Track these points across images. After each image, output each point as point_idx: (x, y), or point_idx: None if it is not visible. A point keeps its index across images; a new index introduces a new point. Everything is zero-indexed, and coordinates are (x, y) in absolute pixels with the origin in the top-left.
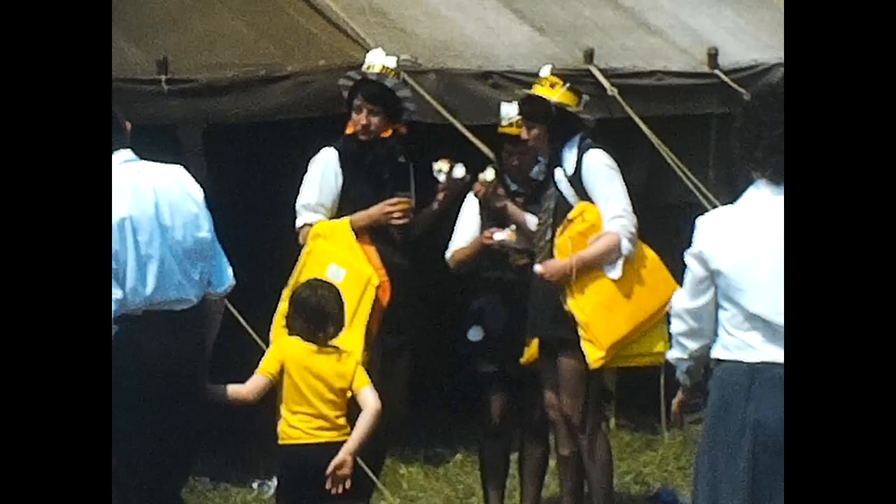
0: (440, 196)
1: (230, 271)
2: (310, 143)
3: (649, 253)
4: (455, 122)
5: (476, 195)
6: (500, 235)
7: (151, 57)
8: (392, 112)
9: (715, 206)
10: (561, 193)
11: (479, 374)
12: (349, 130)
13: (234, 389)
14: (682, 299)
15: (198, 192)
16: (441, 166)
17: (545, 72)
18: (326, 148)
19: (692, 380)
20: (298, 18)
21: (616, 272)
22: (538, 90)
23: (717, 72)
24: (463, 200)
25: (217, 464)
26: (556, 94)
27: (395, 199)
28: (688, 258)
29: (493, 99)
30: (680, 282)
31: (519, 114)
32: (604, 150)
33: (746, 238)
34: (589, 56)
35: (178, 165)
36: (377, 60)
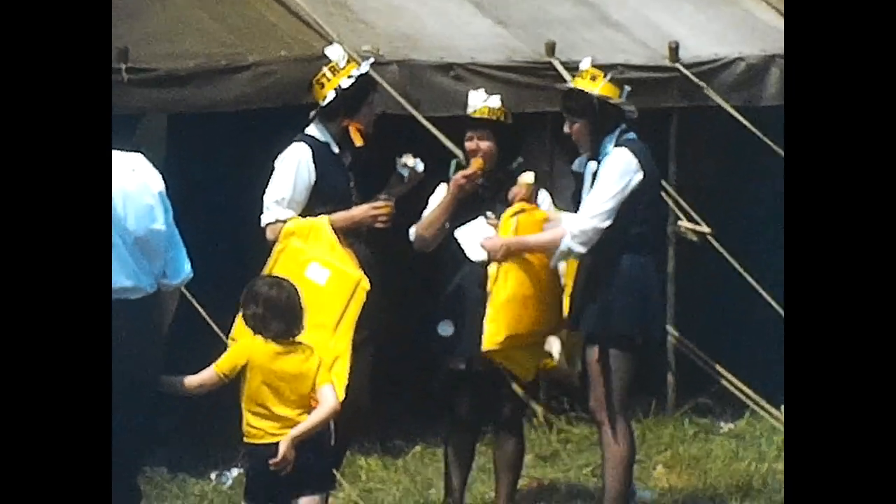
0: (399, 190)
1: (187, 263)
2: (271, 134)
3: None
4: (417, 115)
5: (514, 200)
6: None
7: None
8: None
9: (675, 200)
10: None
11: (449, 370)
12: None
13: (188, 381)
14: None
15: (156, 183)
16: (406, 161)
17: (585, 64)
18: (296, 143)
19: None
20: (260, 9)
21: (552, 262)
22: (578, 83)
23: (678, 65)
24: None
25: (175, 454)
26: (598, 86)
27: (379, 203)
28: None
29: (455, 91)
30: None
31: (561, 108)
32: (634, 148)
33: None
34: (550, 49)
35: (138, 154)
36: (342, 54)
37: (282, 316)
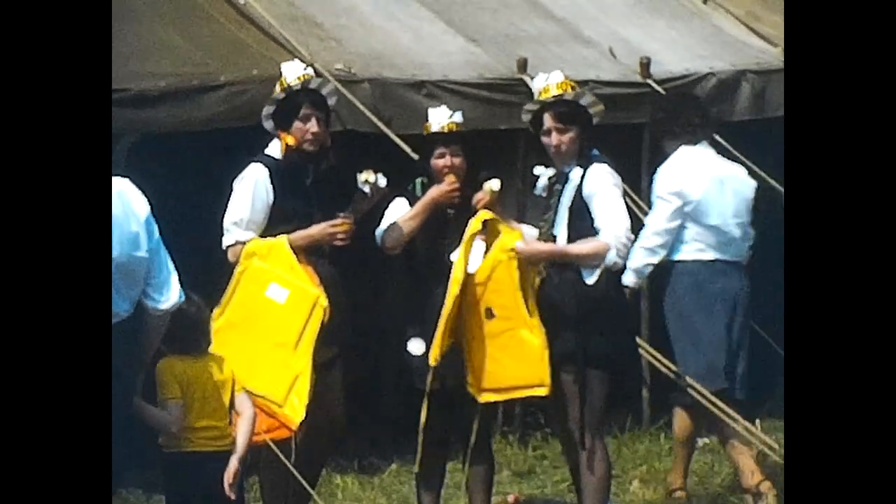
0: (361, 206)
1: (176, 287)
2: (244, 153)
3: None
4: (388, 132)
5: (477, 204)
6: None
7: None
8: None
9: (647, 214)
10: (560, 202)
11: (419, 390)
12: (291, 142)
13: (160, 419)
14: (660, 224)
15: (141, 208)
16: (367, 177)
17: (558, 77)
18: (254, 164)
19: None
20: (231, 28)
21: (592, 278)
22: (567, 93)
23: (649, 81)
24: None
25: (150, 476)
26: (585, 96)
27: (338, 220)
28: (665, 195)
29: (427, 108)
30: None
31: (552, 117)
32: (608, 164)
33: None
34: (522, 66)
35: (125, 179)
36: (299, 71)
37: (192, 328)
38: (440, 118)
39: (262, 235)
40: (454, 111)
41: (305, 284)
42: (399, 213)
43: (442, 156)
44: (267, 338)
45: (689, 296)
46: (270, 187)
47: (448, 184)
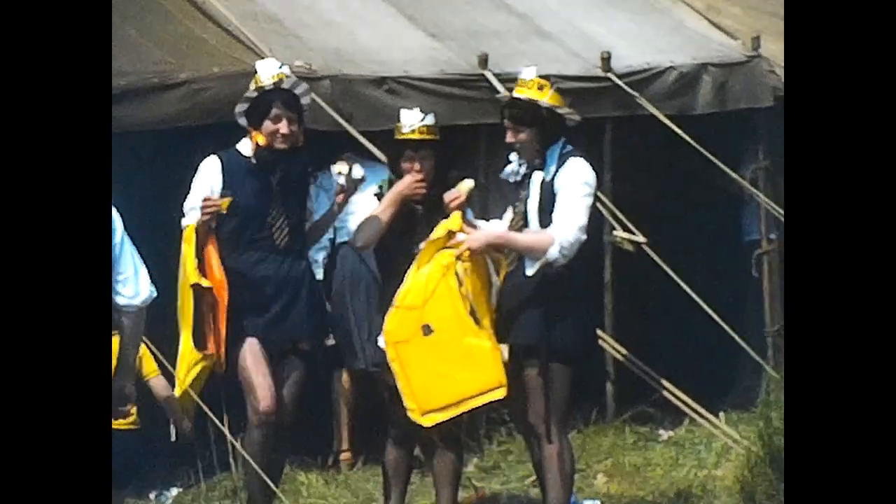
0: (338, 198)
1: (146, 282)
2: (205, 150)
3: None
4: (350, 129)
5: (451, 204)
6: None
7: None
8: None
9: (610, 210)
10: (531, 197)
11: (387, 385)
12: (261, 141)
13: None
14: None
15: None
16: (340, 168)
17: (530, 74)
18: (211, 155)
19: None
20: (191, 26)
21: (531, 270)
22: (524, 92)
23: (610, 75)
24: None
25: (114, 474)
26: (546, 95)
27: (212, 198)
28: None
29: (389, 105)
30: None
31: (505, 117)
32: (585, 159)
33: None
34: (483, 61)
35: None
36: (273, 70)
37: None
38: (411, 121)
39: (218, 224)
40: (426, 114)
41: (186, 266)
42: (367, 205)
43: (411, 159)
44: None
45: None
46: (220, 178)
47: (412, 177)
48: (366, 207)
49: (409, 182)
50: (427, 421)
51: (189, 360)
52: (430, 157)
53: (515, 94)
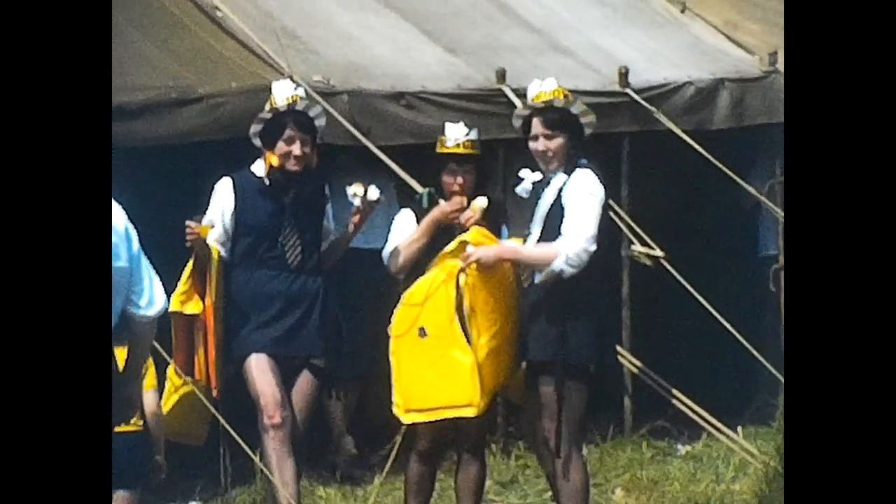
0: (355, 219)
1: (161, 294)
2: (223, 165)
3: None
4: (368, 143)
5: (466, 223)
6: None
7: None
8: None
9: (628, 224)
10: (539, 209)
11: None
12: (274, 162)
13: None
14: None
15: (119, 219)
16: (356, 190)
17: (552, 84)
18: (224, 177)
19: None
20: (209, 41)
21: (539, 277)
22: (556, 100)
23: (627, 90)
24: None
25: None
26: (576, 104)
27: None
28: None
29: (406, 119)
30: None
31: (541, 123)
32: (593, 171)
33: None
34: (501, 76)
35: None
36: (288, 91)
37: None
38: (457, 135)
39: (232, 243)
40: (471, 128)
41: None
42: (405, 225)
43: (453, 173)
44: None
45: None
46: (231, 200)
47: (452, 205)
48: (402, 221)
49: (447, 210)
50: (408, 419)
51: (168, 387)
52: (471, 172)
53: (548, 98)
